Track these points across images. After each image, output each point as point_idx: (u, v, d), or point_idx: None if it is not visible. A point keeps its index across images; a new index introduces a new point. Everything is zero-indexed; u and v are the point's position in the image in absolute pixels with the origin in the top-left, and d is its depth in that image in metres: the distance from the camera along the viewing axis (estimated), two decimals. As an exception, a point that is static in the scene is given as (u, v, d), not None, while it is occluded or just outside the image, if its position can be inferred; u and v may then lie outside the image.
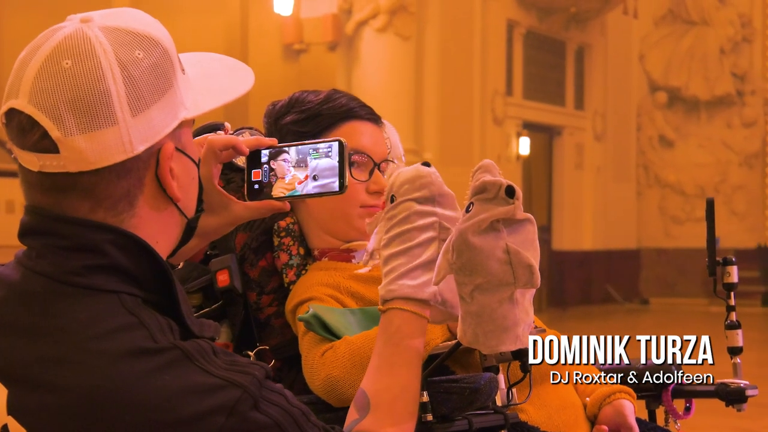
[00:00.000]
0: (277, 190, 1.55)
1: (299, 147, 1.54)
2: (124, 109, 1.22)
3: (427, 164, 1.51)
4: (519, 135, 16.62)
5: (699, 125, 20.03)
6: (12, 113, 1.23)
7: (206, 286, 1.95)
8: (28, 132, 1.22)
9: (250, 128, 1.93)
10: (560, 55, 18.24)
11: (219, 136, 1.57)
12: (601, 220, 18.73)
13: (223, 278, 1.91)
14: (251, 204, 1.58)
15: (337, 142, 1.52)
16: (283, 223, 1.97)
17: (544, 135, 18.01)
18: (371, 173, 1.94)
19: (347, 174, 1.51)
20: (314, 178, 1.52)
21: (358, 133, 1.95)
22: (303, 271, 1.97)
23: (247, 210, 1.59)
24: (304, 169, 1.53)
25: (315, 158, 1.53)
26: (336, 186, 1.51)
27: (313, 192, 1.53)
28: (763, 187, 19.45)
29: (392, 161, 2.01)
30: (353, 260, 1.96)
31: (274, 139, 1.58)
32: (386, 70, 14.39)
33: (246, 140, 1.57)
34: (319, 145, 1.53)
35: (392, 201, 1.48)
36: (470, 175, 1.51)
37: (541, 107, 17.55)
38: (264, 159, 1.56)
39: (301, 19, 14.68)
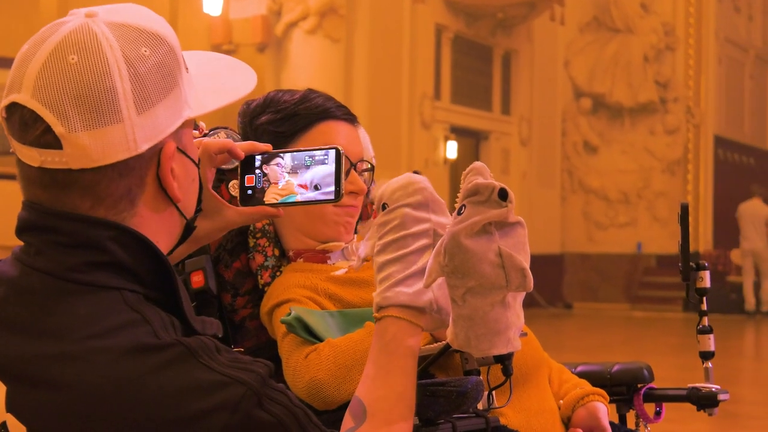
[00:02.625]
0: (270, 196, 1.52)
1: (295, 153, 1.52)
2: (130, 106, 1.20)
3: (417, 172, 1.51)
4: (446, 139, 16.69)
5: (622, 132, 20.29)
6: (14, 107, 1.20)
7: (180, 287, 1.92)
8: (30, 127, 1.19)
9: (225, 128, 1.89)
10: (487, 61, 18.36)
11: (214, 140, 1.55)
12: (526, 224, 18.84)
13: (197, 279, 1.88)
14: (244, 209, 1.56)
15: (334, 150, 1.50)
16: (258, 225, 1.95)
17: (471, 139, 18.10)
18: (347, 173, 1.92)
19: (343, 182, 1.50)
20: (309, 185, 1.50)
21: (335, 132, 1.94)
22: (278, 273, 1.95)
23: (240, 215, 1.57)
24: (299, 176, 1.51)
25: (311, 165, 1.51)
26: (332, 194, 1.49)
27: (307, 199, 1.51)
28: (685, 194, 19.75)
29: (367, 161, 1.99)
30: (329, 261, 1.94)
31: (269, 144, 1.56)
32: (315, 72, 14.36)
33: (241, 144, 1.54)
34: (315, 152, 1.51)
35: (384, 209, 1.46)
36: (462, 177, 1.50)
37: (469, 112, 17.63)
38: (257, 164, 1.54)
39: (230, 20, 14.60)
